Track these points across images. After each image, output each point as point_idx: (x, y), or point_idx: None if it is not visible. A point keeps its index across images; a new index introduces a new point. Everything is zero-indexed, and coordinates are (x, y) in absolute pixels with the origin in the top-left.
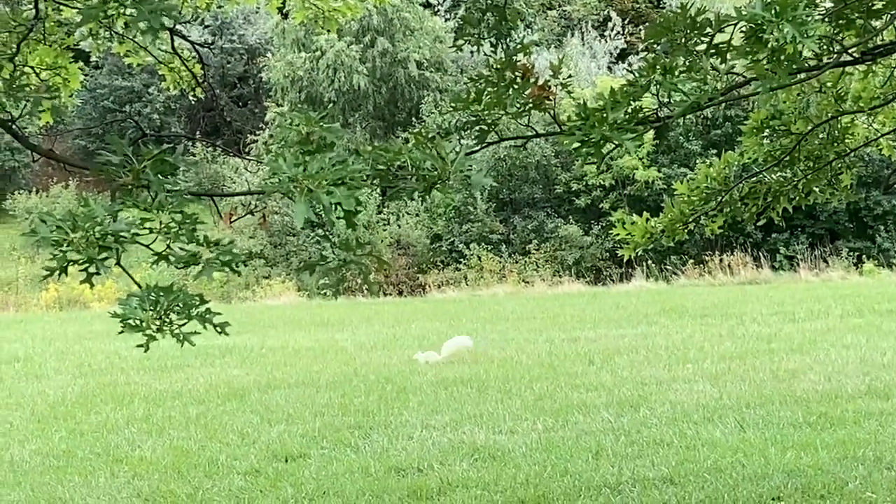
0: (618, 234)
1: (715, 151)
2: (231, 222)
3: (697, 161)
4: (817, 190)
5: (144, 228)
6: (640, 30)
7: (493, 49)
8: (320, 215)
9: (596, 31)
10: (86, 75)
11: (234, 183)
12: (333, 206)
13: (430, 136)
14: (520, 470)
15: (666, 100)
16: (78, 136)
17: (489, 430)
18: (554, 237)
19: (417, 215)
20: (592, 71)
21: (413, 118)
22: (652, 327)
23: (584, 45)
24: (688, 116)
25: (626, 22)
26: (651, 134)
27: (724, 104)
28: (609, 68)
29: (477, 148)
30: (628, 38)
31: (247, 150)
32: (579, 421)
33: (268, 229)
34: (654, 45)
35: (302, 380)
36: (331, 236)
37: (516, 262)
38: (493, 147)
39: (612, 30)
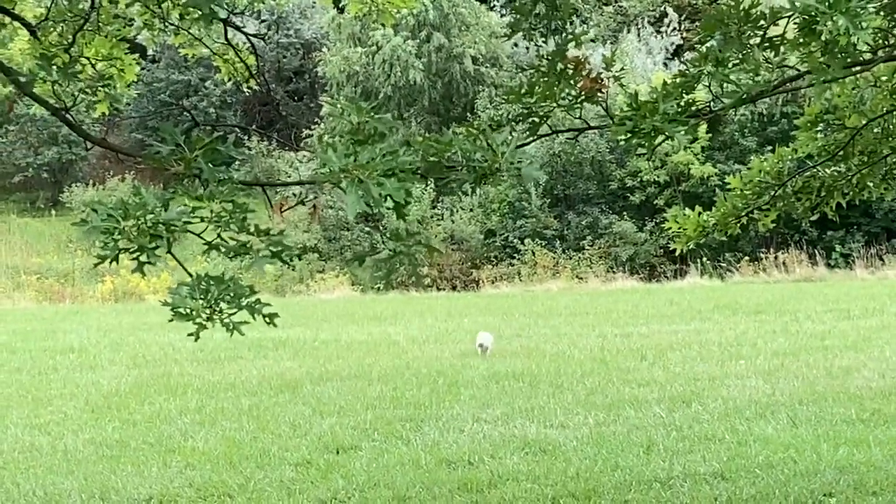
0: (671, 229)
1: (770, 148)
2: (282, 212)
3: (753, 157)
4: (872, 185)
5: (196, 217)
6: (697, 26)
7: (544, 41)
8: (371, 206)
9: (652, 28)
10: (143, 69)
11: (289, 176)
12: (384, 196)
13: (481, 128)
14: (570, 464)
15: (719, 92)
16: (134, 128)
17: (540, 423)
18: (608, 233)
19: (471, 210)
20: (648, 67)
21: (468, 113)
22: (705, 324)
23: (640, 41)
24: (743, 112)
25: (682, 18)
26: (705, 128)
27: (780, 100)
28: (665, 64)
29: (528, 140)
30: (684, 35)
31: (302, 144)
32: (630, 416)
33: (322, 223)
34: (708, 38)
35: (354, 372)
36: (382, 227)
37: (570, 258)
38: (547, 142)
39: (668, 26)
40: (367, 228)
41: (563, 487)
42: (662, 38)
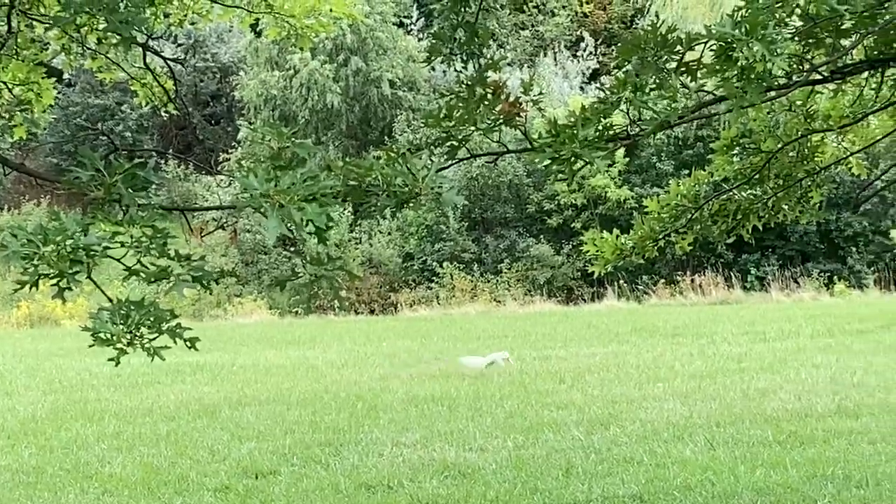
0: (589, 252)
1: (687, 171)
2: (202, 237)
3: (669, 181)
4: (787, 208)
5: (115, 243)
6: (613, 50)
7: (464, 66)
8: (292, 231)
9: (568, 52)
10: (59, 93)
11: (206, 200)
12: (304, 222)
13: (401, 152)
14: (490, 487)
15: (636, 117)
16: (50, 152)
17: (460, 447)
18: (526, 256)
19: (389, 234)
20: (565, 91)
21: (386, 137)
22: (623, 346)
23: (556, 65)
24: (659, 136)
25: (598, 42)
26: (623, 152)
27: (695, 124)
28: (581, 88)
29: (447, 164)
30: (601, 59)
31: (219, 167)
32: (550, 439)
33: (239, 247)
34: (625, 63)
35: (273, 397)
36: (302, 252)
37: (488, 282)
38: (465, 166)
39: (584, 50)
40: (285, 253)
41: None
42: (579, 62)
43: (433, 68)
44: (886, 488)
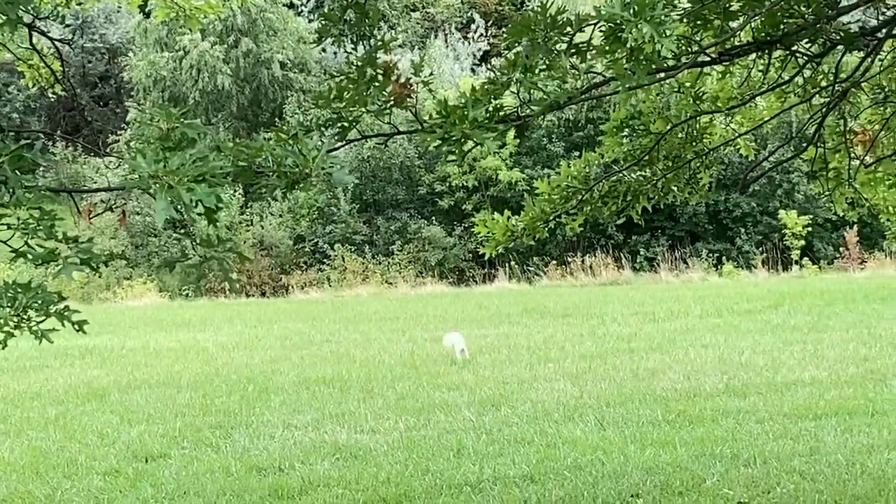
0: (479, 233)
1: (577, 153)
2: (90, 219)
3: (560, 162)
4: (676, 189)
5: (2, 225)
6: (503, 32)
7: (354, 48)
8: (181, 212)
9: (459, 33)
10: None
11: (95, 182)
12: (194, 202)
13: (291, 133)
14: (381, 469)
15: (526, 98)
16: None
17: (351, 429)
18: (417, 238)
19: (281, 216)
20: (456, 72)
21: (276, 119)
22: (514, 327)
23: (447, 46)
24: (550, 118)
25: (489, 24)
26: (513, 134)
27: (586, 106)
28: (472, 70)
29: (338, 145)
30: (491, 41)
31: (108, 149)
32: (441, 420)
33: (129, 230)
34: (515, 44)
35: (163, 380)
36: (192, 234)
37: (380, 263)
38: (356, 148)
39: (475, 32)
40: (175, 235)
41: (375, 493)
42: (469, 43)
43: (324, 50)
44: (773, 466)
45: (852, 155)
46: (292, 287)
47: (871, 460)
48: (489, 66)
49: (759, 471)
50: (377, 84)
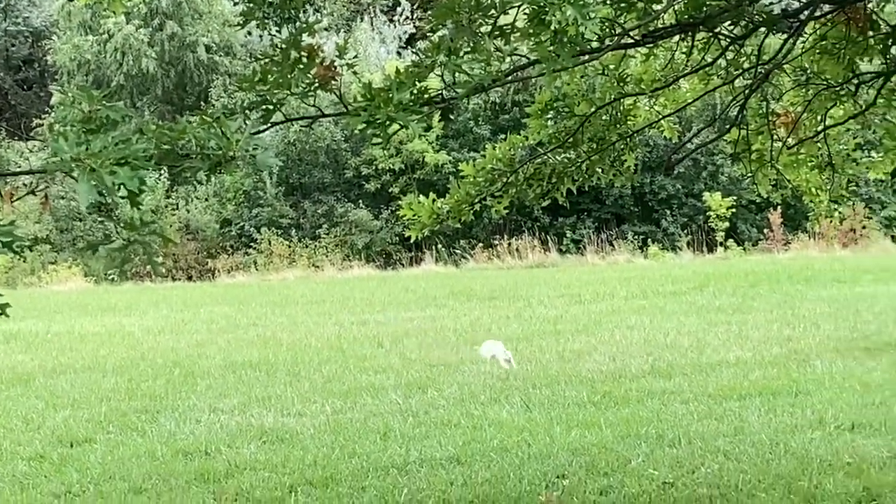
0: (405, 216)
1: (504, 136)
2: (12, 202)
3: (487, 145)
4: (601, 171)
5: None
6: (429, 15)
7: (278, 30)
8: (104, 195)
9: (385, 16)
10: None
11: (19, 166)
12: (116, 186)
13: (215, 116)
14: (308, 452)
15: (451, 81)
16: None
17: (278, 412)
18: (344, 221)
19: (207, 200)
20: (382, 56)
21: (202, 102)
22: (441, 310)
23: (373, 29)
24: (476, 101)
25: (414, 7)
26: (438, 117)
27: (512, 89)
28: (398, 53)
29: (262, 128)
30: (417, 24)
31: (32, 133)
32: (368, 403)
33: (54, 214)
34: (440, 27)
35: (88, 364)
36: (115, 217)
37: (306, 247)
38: (282, 131)
39: (401, 15)
40: (100, 219)
41: (301, 476)
42: (395, 26)
43: (249, 33)
44: (698, 447)
45: (775, 137)
46: (219, 271)
47: (795, 440)
48: (415, 49)
49: (684, 451)
50: (301, 67)
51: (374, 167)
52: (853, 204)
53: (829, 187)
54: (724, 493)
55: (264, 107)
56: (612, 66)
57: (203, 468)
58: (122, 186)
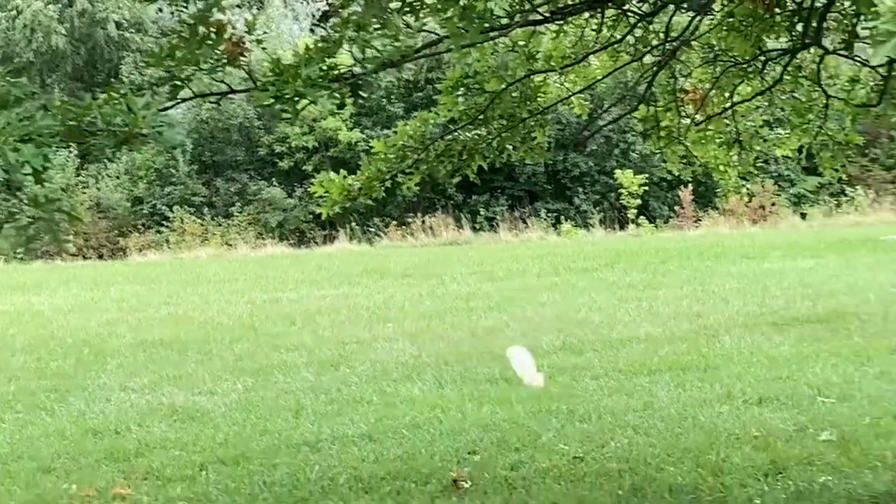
0: (317, 193)
1: (417, 114)
2: None
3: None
4: (511, 148)
5: None
6: None
7: (185, 5)
8: (10, 173)
9: None
10: None
11: None
12: (20, 163)
13: (122, 92)
14: (219, 430)
15: (360, 57)
16: None
17: (189, 391)
18: (257, 200)
19: (118, 178)
20: (295, 33)
21: (112, 79)
22: (354, 288)
23: (286, 6)
24: (389, 79)
25: None
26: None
27: (425, 66)
28: (312, 31)
29: (170, 104)
30: (330, 1)
31: None
32: (279, 381)
33: None
34: (350, 3)
35: None
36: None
37: (219, 225)
38: (194, 109)
39: None
40: (4, 195)
41: (212, 454)
42: (308, 3)
43: (160, 9)
44: (608, 421)
45: (683, 113)
46: (130, 249)
47: (703, 413)
48: (325, 25)
49: (594, 426)
50: (209, 43)
51: (287, 145)
52: (762, 181)
53: (737, 164)
54: (634, 468)
55: (172, 83)
56: (521, 43)
57: (113, 447)
58: (26, 164)
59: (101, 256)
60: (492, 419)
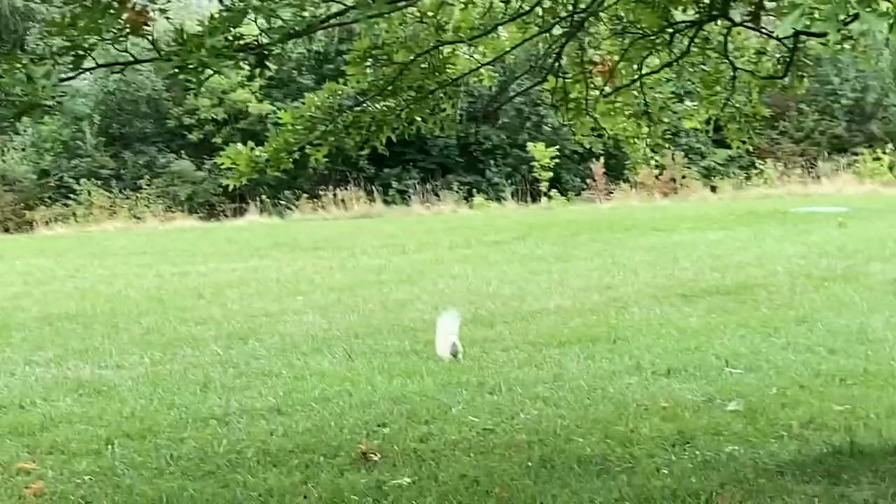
0: (224, 165)
1: (326, 85)
2: None
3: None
4: (420, 119)
5: None
6: None
7: None
8: None
9: None
10: None
11: None
12: None
13: (23, 61)
14: (126, 404)
15: (266, 27)
16: None
17: (95, 364)
18: (166, 172)
19: (24, 150)
20: (205, 5)
21: (18, 50)
22: (263, 261)
23: None
24: (300, 50)
25: None
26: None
27: (336, 38)
28: (221, 2)
29: (72, 74)
30: None
31: None
32: (187, 354)
33: None
34: None
35: None
36: None
37: (127, 198)
38: (101, 80)
39: None
40: None
41: (118, 428)
42: None
43: None
44: (518, 393)
45: (592, 85)
46: (37, 222)
47: (612, 385)
48: None
49: (504, 398)
50: (112, 12)
51: (196, 117)
52: (673, 153)
53: (646, 136)
54: (543, 439)
55: (75, 52)
56: (430, 14)
57: (17, 421)
58: None
59: (6, 230)
60: (402, 392)
